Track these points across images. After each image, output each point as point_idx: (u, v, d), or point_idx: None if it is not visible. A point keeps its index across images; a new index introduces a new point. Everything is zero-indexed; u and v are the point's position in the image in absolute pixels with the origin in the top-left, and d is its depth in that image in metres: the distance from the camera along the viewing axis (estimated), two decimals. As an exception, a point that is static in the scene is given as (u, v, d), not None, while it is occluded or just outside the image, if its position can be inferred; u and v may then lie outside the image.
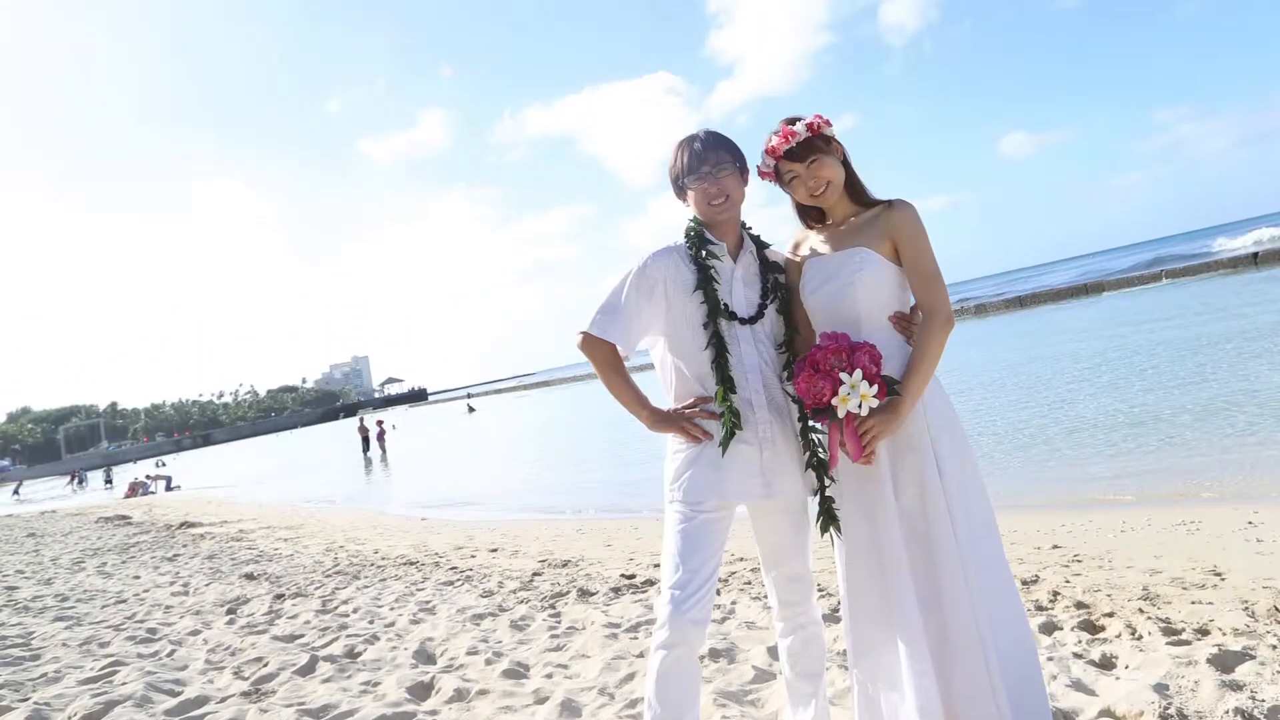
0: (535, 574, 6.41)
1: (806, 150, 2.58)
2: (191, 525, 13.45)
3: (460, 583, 6.34)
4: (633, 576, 5.92)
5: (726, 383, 2.55)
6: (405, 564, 7.46)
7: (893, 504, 2.44)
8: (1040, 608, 4.13)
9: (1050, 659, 3.33)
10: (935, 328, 2.47)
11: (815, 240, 2.69)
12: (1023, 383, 14.25)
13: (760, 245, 2.73)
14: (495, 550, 7.83)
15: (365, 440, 30.10)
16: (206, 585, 7.36)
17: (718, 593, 4.87)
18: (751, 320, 2.62)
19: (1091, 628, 3.78)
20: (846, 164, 2.63)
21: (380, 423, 31.57)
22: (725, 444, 2.52)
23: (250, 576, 7.57)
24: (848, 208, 2.66)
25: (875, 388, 2.35)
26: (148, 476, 31.95)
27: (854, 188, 2.65)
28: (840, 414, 2.38)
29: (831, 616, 4.02)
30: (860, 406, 2.36)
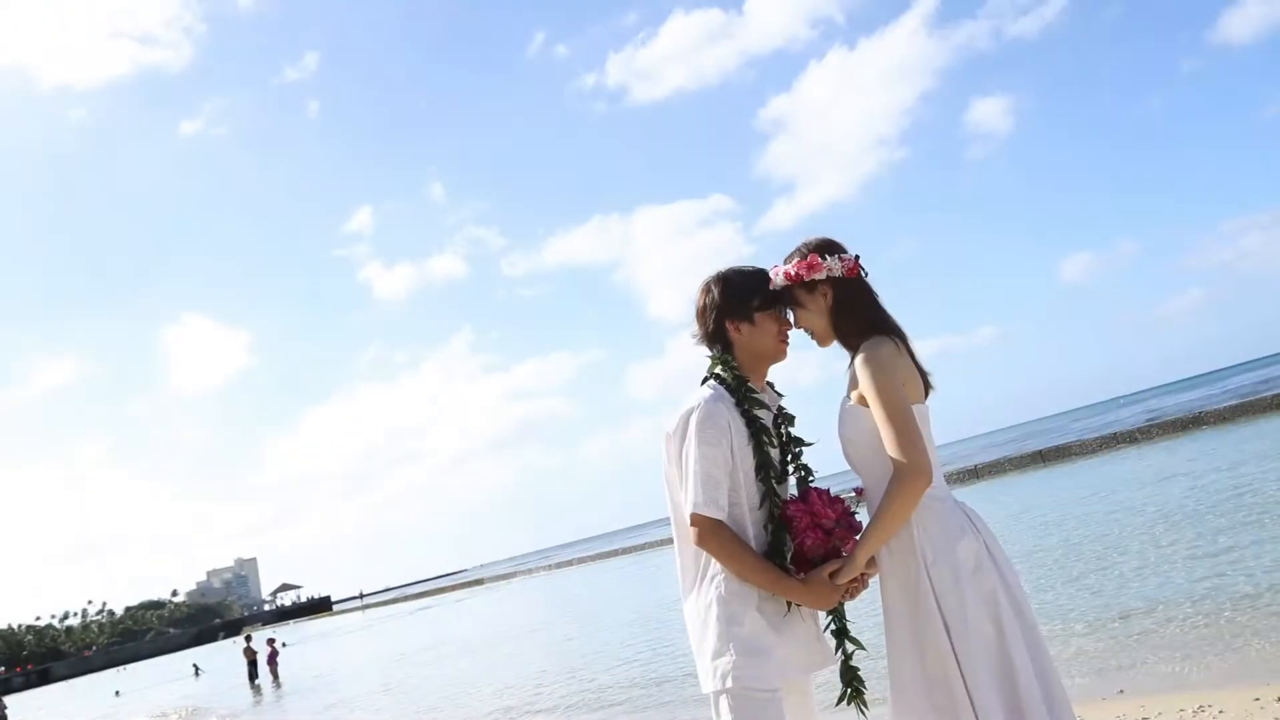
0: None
1: (785, 297, 2.92)
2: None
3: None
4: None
5: (781, 542, 2.78)
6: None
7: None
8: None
9: None
10: (894, 483, 2.66)
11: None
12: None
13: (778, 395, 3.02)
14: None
15: (253, 665, 29.02)
16: None
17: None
18: (783, 479, 2.90)
19: None
20: (838, 304, 2.87)
21: (271, 641, 30.53)
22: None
23: None
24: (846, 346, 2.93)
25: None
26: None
27: (840, 331, 2.89)
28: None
29: None
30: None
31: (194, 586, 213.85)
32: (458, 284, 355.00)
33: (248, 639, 32.05)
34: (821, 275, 2.83)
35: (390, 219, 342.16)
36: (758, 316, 2.87)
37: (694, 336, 3.01)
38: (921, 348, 2.93)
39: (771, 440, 2.85)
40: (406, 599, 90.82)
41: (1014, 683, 2.62)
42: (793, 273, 2.84)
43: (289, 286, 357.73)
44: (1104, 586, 10.91)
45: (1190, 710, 5.75)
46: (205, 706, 25.08)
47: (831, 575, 2.73)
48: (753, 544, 2.77)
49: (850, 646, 2.86)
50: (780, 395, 3.01)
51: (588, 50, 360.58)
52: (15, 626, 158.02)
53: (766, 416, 2.87)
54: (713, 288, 2.94)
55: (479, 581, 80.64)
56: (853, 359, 2.84)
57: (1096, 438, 40.68)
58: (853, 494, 2.91)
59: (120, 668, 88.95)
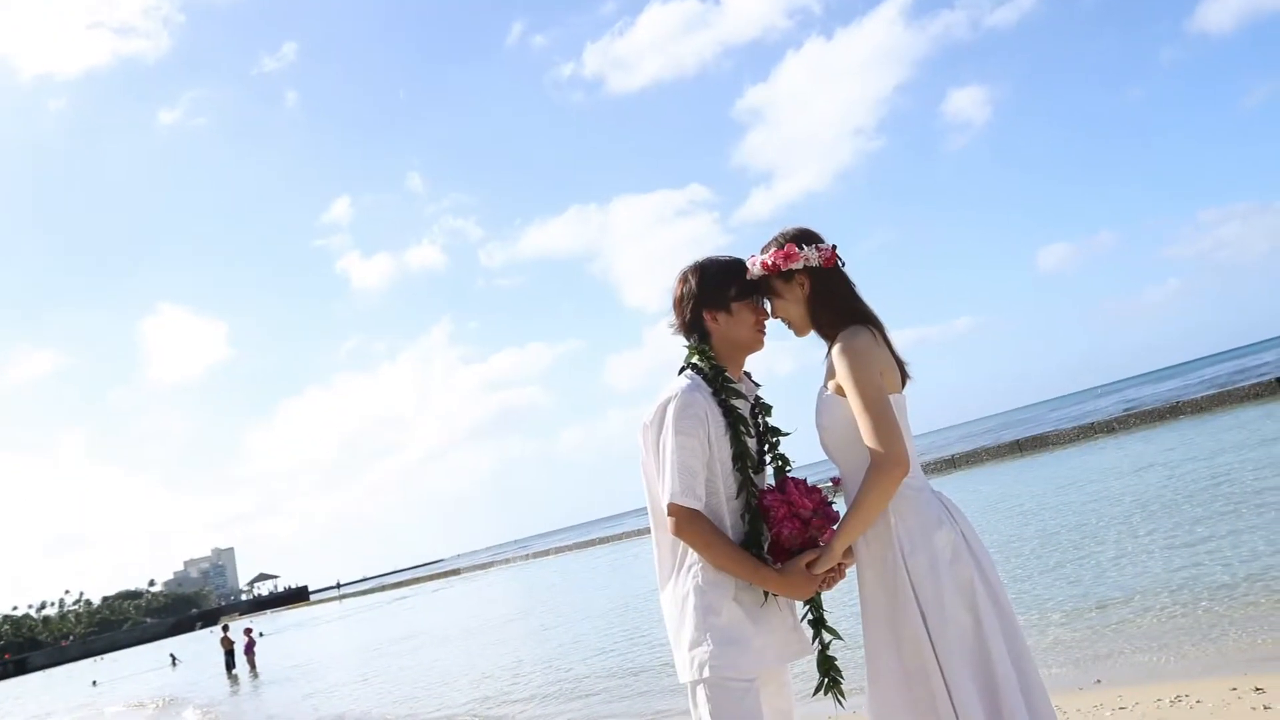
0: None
1: (762, 287, 2.94)
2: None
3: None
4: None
5: (758, 532, 2.79)
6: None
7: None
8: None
9: None
10: (870, 473, 2.68)
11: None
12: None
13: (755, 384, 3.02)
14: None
15: (230, 655, 28.93)
16: None
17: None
18: (760, 469, 2.91)
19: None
20: (815, 294, 2.88)
21: (249, 631, 30.45)
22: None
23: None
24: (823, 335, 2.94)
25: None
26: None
27: (817, 321, 2.90)
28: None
29: None
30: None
31: (171, 576, 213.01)
32: (436, 274, 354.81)
33: (225, 629, 31.91)
34: (798, 265, 2.84)
35: (368, 209, 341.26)
36: (735, 306, 2.88)
37: (671, 326, 3.00)
38: (898, 338, 2.95)
39: (749, 430, 2.85)
40: (384, 589, 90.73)
41: (991, 672, 2.63)
42: (770, 262, 2.85)
43: (267, 277, 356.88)
44: (1081, 576, 10.97)
45: (1167, 700, 5.77)
46: (182, 696, 24.96)
47: (808, 565, 2.74)
48: (730, 534, 2.77)
49: (827, 636, 2.89)
50: (757, 385, 3.01)
51: (565, 40, 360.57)
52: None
53: (744, 406, 2.87)
54: (689, 277, 2.94)
55: (456, 571, 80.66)
56: (830, 349, 2.85)
57: (1074, 427, 40.93)
58: (830, 484, 2.91)
59: (97, 658, 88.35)
